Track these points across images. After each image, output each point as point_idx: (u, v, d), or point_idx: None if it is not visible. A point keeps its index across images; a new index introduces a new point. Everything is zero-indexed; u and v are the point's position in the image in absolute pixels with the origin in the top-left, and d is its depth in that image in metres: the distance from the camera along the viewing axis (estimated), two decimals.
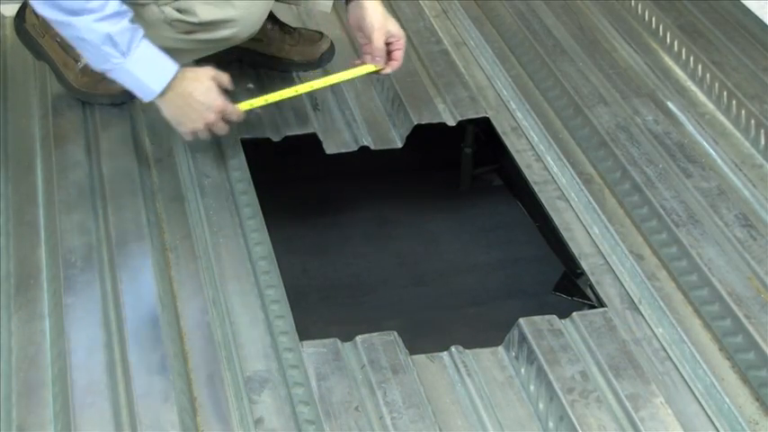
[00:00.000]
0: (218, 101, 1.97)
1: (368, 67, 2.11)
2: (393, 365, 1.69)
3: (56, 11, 1.87)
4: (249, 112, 2.32)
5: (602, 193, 2.11)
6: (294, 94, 2.13)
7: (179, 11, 1.96)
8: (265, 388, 1.65)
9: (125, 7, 1.89)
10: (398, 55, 2.12)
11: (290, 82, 2.42)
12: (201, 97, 1.95)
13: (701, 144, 2.24)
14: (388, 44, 2.09)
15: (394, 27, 2.10)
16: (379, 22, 2.08)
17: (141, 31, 1.91)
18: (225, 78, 2.01)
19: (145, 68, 1.91)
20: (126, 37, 1.87)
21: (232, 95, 2.36)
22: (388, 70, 2.12)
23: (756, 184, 2.12)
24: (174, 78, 1.92)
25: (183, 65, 1.96)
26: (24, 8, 2.23)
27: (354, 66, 2.14)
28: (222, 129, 2.02)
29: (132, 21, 1.90)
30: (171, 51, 1.96)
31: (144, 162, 2.12)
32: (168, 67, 1.93)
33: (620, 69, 2.47)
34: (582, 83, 2.39)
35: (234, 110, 2.03)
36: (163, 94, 1.93)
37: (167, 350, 1.67)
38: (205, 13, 1.97)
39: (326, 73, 2.46)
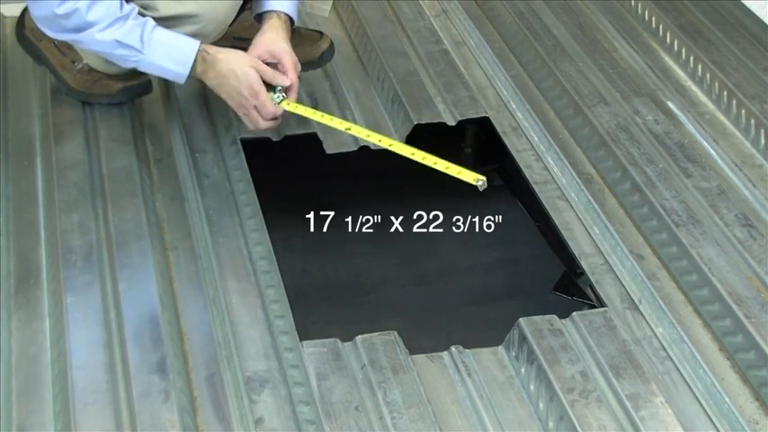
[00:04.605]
0: (250, 87, 1.97)
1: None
2: (393, 365, 1.69)
3: (62, 32, 1.96)
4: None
5: (603, 193, 2.11)
6: (340, 127, 2.09)
7: (143, 8, 1.99)
8: (265, 388, 1.65)
9: (127, 9, 1.92)
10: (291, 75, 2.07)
11: None
12: (234, 81, 1.97)
13: (701, 144, 2.24)
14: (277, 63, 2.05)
15: (278, 46, 2.06)
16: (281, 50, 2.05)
17: (150, 23, 1.95)
18: (266, 71, 1.99)
19: (165, 56, 1.96)
20: (135, 35, 1.93)
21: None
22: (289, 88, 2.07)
23: (756, 184, 2.11)
24: (200, 56, 1.95)
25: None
26: (24, 14, 2.24)
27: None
28: (256, 122, 2.01)
29: (136, 17, 1.93)
30: None
31: (144, 162, 2.12)
32: (187, 47, 1.96)
33: (621, 69, 2.46)
34: (582, 83, 2.39)
35: (269, 107, 2.01)
36: (195, 72, 1.96)
37: (167, 350, 1.67)
38: (166, 7, 2.00)
39: (326, 73, 2.45)
